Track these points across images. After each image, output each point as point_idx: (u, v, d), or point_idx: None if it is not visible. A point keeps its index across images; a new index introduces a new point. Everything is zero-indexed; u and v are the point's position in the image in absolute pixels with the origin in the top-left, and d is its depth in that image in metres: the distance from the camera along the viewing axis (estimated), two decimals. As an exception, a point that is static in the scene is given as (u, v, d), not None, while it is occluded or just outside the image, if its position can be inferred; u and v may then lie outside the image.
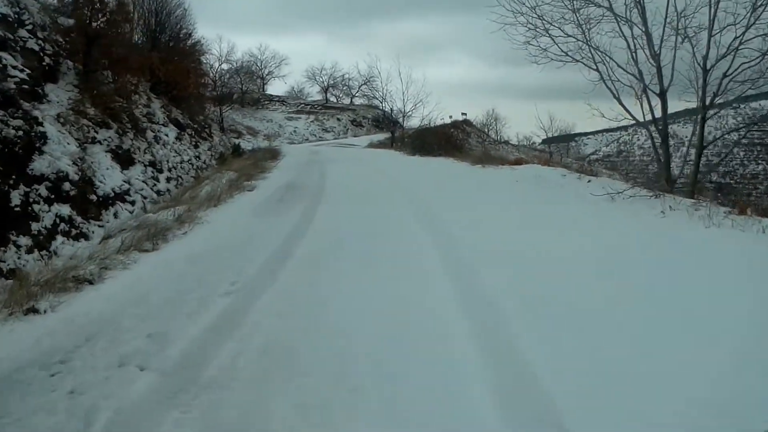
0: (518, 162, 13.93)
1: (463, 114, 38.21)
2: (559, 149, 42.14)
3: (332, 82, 50.84)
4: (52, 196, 7.54)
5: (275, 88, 60.22)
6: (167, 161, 13.09)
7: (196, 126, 18.55)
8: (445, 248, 6.16)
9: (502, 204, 9.26)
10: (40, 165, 7.58)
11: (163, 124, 15.11)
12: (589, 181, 10.56)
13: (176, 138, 15.17)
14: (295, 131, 44.50)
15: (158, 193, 11.13)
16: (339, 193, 11.06)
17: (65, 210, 7.67)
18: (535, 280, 4.82)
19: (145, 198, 10.26)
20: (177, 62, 17.15)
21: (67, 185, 7.91)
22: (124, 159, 10.49)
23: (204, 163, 16.15)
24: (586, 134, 46.18)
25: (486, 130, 40.64)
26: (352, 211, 8.99)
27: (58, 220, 7.44)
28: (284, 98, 49.84)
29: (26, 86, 8.57)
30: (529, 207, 8.84)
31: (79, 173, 8.33)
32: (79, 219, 7.86)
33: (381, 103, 34.69)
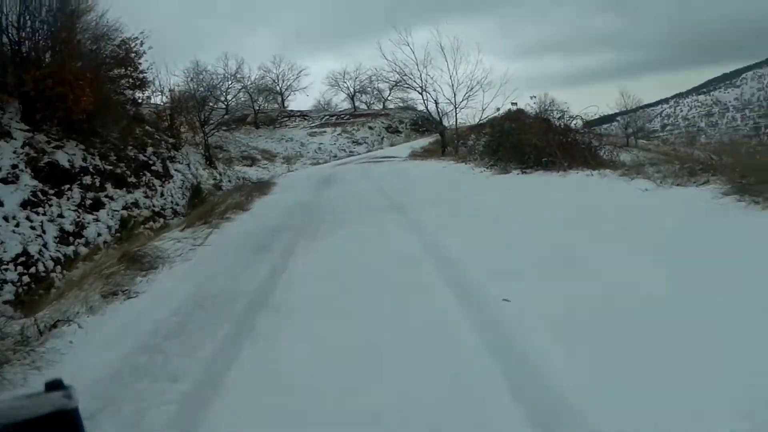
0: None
1: (513, 104, 29.43)
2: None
3: (359, 86, 42.78)
4: None
5: (299, 103, 52.99)
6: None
7: (115, 167, 11.00)
8: None
9: None
10: None
11: (6, 179, 7.57)
12: None
13: (24, 204, 7.56)
14: (320, 148, 37.01)
15: None
16: None
17: None
18: None
19: None
20: (61, 66, 9.65)
21: None
22: None
23: (86, 241, 8.47)
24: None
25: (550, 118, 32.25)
26: None
27: None
28: (305, 112, 42.31)
29: None
30: None
31: None
32: None
33: (421, 94, 23.56)
